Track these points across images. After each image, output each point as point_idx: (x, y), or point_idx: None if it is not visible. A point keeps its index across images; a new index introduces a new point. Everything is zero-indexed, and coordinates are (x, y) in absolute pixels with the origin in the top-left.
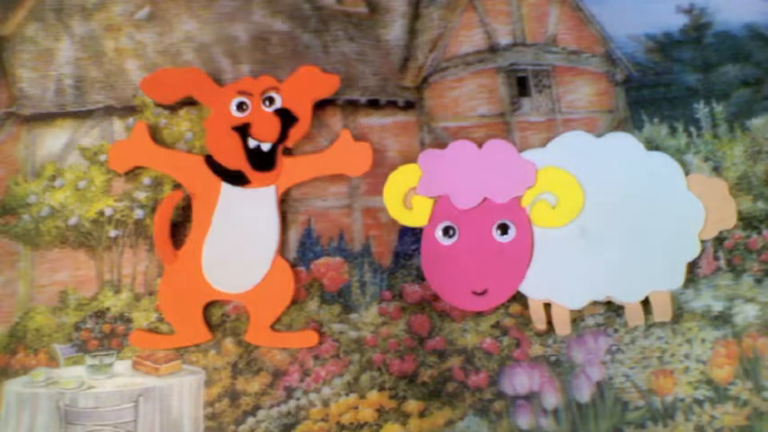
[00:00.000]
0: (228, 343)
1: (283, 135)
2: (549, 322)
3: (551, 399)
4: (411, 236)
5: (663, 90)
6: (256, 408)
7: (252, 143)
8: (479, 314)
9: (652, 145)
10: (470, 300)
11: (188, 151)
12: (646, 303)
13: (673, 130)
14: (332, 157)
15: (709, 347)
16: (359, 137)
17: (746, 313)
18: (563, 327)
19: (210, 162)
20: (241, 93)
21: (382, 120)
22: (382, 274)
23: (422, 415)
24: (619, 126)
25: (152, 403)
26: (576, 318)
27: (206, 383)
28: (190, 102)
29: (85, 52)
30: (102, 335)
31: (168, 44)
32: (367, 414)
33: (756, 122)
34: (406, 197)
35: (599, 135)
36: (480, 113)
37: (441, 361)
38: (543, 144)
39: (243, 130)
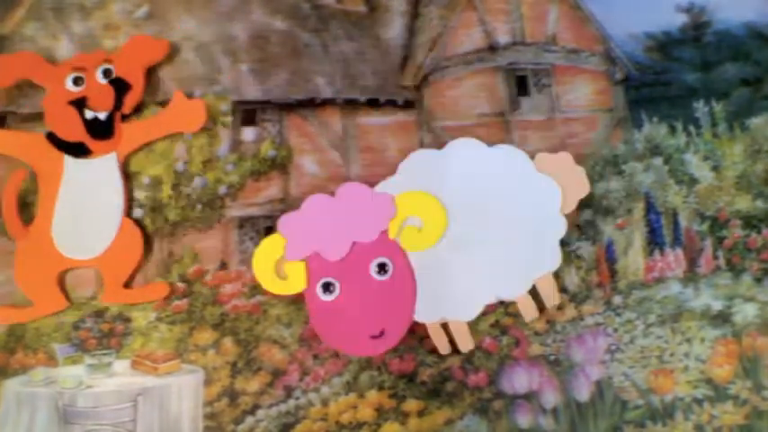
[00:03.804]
0: (227, 342)
1: (119, 103)
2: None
3: (550, 398)
4: None
5: (662, 89)
6: (255, 407)
7: (89, 114)
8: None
9: (651, 144)
10: (371, 344)
11: (189, 149)
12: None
13: (672, 130)
14: (167, 118)
15: (708, 347)
16: (359, 136)
17: (746, 312)
18: (465, 342)
19: (52, 138)
20: (76, 69)
21: (382, 119)
22: None
23: (421, 414)
24: (618, 125)
25: (151, 403)
26: (576, 317)
27: (205, 383)
28: None
29: (84, 51)
30: (100, 334)
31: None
32: (366, 413)
33: (756, 122)
34: (279, 267)
35: (441, 149)
36: (480, 112)
37: (440, 360)
38: (543, 144)
39: (80, 104)
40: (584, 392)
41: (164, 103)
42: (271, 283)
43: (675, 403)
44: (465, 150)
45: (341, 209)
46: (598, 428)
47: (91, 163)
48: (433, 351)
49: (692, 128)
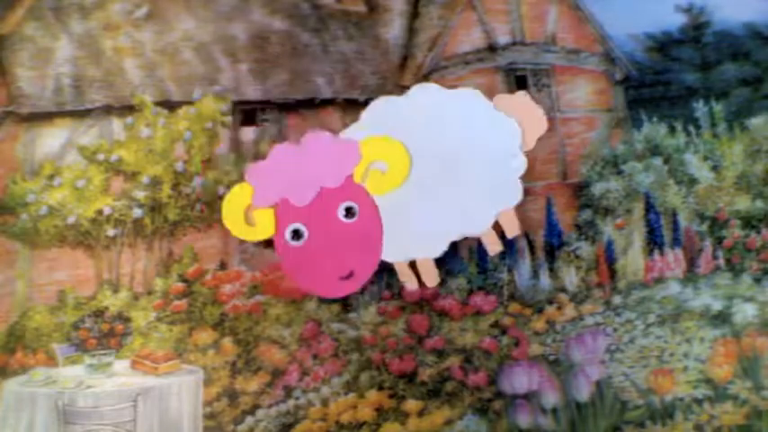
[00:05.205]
0: (227, 342)
1: None
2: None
3: (550, 398)
4: None
5: (662, 89)
6: (255, 407)
7: None
8: (479, 313)
9: (651, 144)
10: (341, 285)
11: (188, 149)
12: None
13: (672, 130)
14: None
15: (708, 346)
16: None
17: (745, 312)
18: (431, 278)
19: None
20: None
21: None
22: (381, 274)
23: (421, 414)
24: (618, 125)
25: (151, 403)
26: (575, 317)
27: (205, 383)
28: (189, 101)
29: (84, 51)
30: (100, 334)
31: (167, 43)
32: (366, 413)
33: (755, 121)
34: (248, 215)
35: (403, 94)
36: None
37: (440, 360)
38: (542, 143)
39: None
40: (584, 392)
41: (163, 104)
42: (240, 230)
43: (675, 403)
44: (425, 95)
45: (307, 156)
46: (598, 428)
47: None
48: (433, 350)
49: (691, 128)
